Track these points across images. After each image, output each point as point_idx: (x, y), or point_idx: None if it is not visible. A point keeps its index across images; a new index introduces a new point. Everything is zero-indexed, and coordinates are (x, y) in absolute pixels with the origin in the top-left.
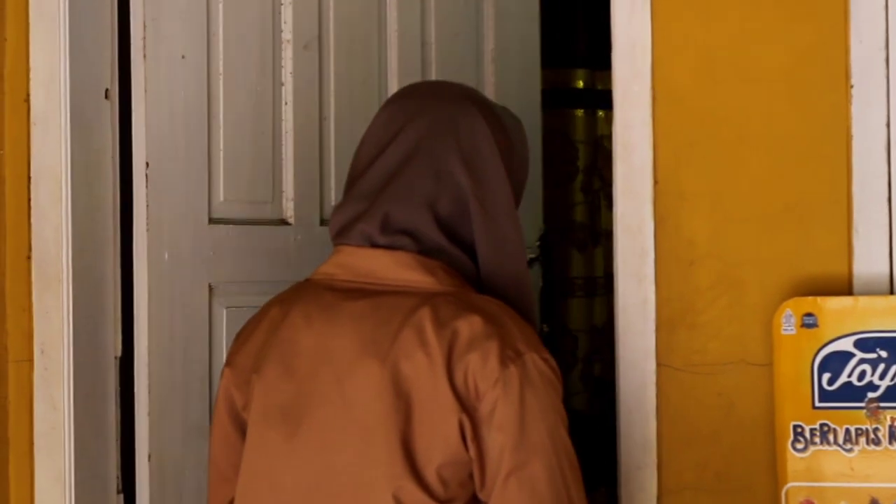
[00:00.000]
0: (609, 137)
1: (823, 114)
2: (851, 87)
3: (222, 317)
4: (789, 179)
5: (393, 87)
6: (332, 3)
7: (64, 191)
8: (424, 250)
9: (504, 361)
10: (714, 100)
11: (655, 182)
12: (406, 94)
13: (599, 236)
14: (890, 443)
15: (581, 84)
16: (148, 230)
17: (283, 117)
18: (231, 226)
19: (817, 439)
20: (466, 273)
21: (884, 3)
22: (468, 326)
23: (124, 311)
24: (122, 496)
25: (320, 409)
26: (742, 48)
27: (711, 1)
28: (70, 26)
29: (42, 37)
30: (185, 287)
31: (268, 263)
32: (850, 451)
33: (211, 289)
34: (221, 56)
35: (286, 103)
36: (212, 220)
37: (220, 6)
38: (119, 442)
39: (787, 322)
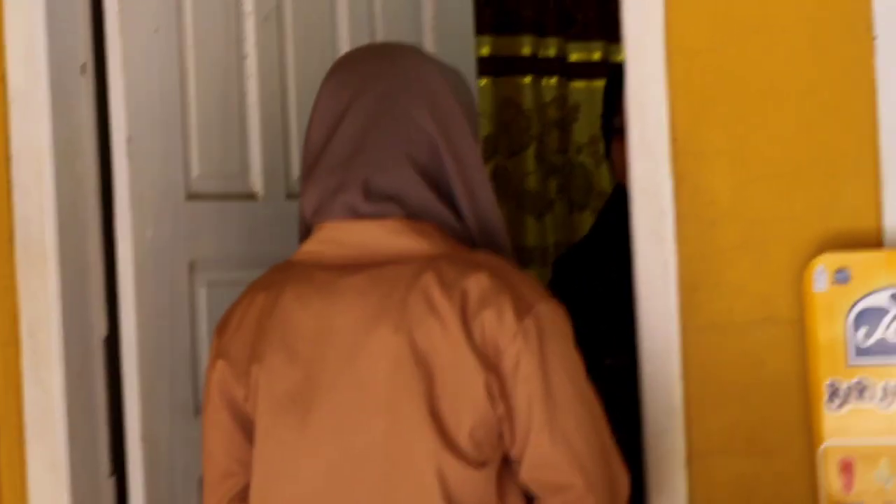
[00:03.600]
0: (552, 105)
1: (846, 66)
2: (875, 38)
3: (202, 294)
4: (813, 133)
5: None
6: None
7: (47, 169)
8: (411, 213)
9: (519, 314)
10: (732, 53)
11: (673, 140)
12: (352, 58)
13: (551, 204)
14: None
15: (528, 51)
16: (131, 207)
17: (248, 90)
18: (207, 201)
19: (853, 397)
20: (452, 229)
21: None
22: (476, 284)
23: (106, 291)
24: (113, 479)
25: (332, 390)
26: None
27: None
28: (46, 1)
29: (17, 13)
30: (167, 265)
31: (240, 238)
32: (888, 407)
33: (191, 266)
34: (190, 29)
35: (250, 76)
36: (189, 196)
37: None
38: (109, 424)
39: (819, 278)
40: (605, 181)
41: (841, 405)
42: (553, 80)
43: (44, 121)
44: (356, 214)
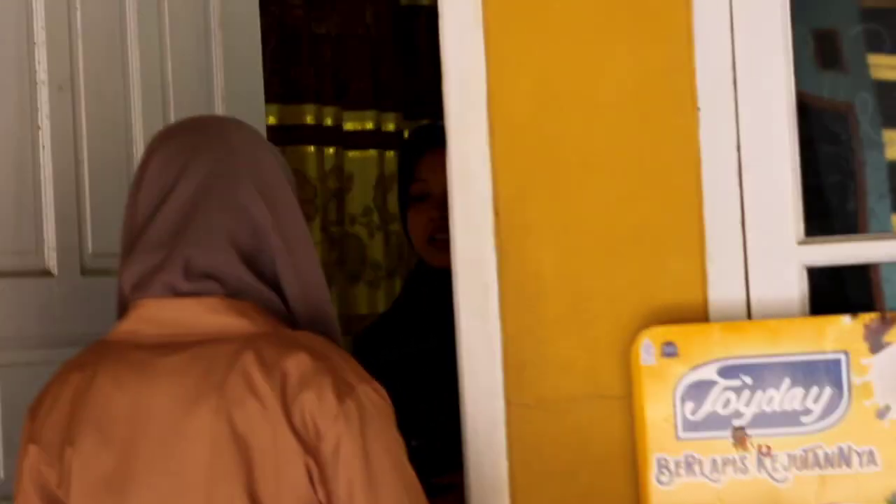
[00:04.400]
0: (332, 175)
1: (671, 138)
2: (698, 110)
3: None
4: (638, 206)
5: (138, 128)
6: (80, 43)
7: None
8: (231, 292)
9: (340, 396)
10: (556, 126)
11: (496, 214)
12: (177, 132)
13: (331, 276)
14: (758, 470)
15: (311, 119)
16: None
17: (42, 162)
18: (1, 278)
19: (682, 471)
20: (274, 309)
21: (729, 24)
22: (296, 365)
23: None
24: None
25: (148, 474)
26: (584, 72)
27: (549, 23)
28: None
29: None
30: None
31: (33, 317)
32: (717, 481)
33: None
34: None
35: (44, 147)
36: None
37: None
38: None
39: (647, 352)
40: (378, 252)
41: (670, 480)
42: (332, 150)
43: None
44: (175, 293)
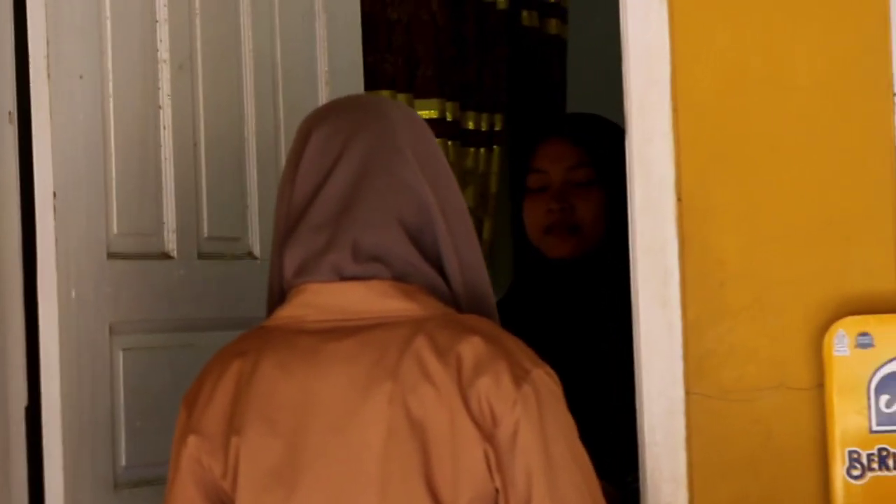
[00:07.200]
0: None
1: (864, 124)
2: (895, 94)
3: (120, 359)
4: (828, 193)
5: (249, 109)
6: (198, 23)
7: None
8: (397, 275)
9: (517, 381)
10: (742, 109)
11: (678, 199)
12: (333, 111)
13: None
14: None
15: None
16: (56, 265)
17: (163, 142)
18: (125, 260)
19: (875, 465)
20: (438, 291)
21: None
22: (471, 349)
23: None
24: None
25: (319, 463)
26: (772, 54)
27: (737, 2)
28: None
29: None
30: (89, 328)
31: (156, 300)
32: None
33: (111, 329)
34: (111, 76)
35: (165, 127)
36: (109, 255)
37: (108, 22)
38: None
39: (840, 342)
40: None
41: (862, 474)
42: None
43: None
44: (341, 276)
